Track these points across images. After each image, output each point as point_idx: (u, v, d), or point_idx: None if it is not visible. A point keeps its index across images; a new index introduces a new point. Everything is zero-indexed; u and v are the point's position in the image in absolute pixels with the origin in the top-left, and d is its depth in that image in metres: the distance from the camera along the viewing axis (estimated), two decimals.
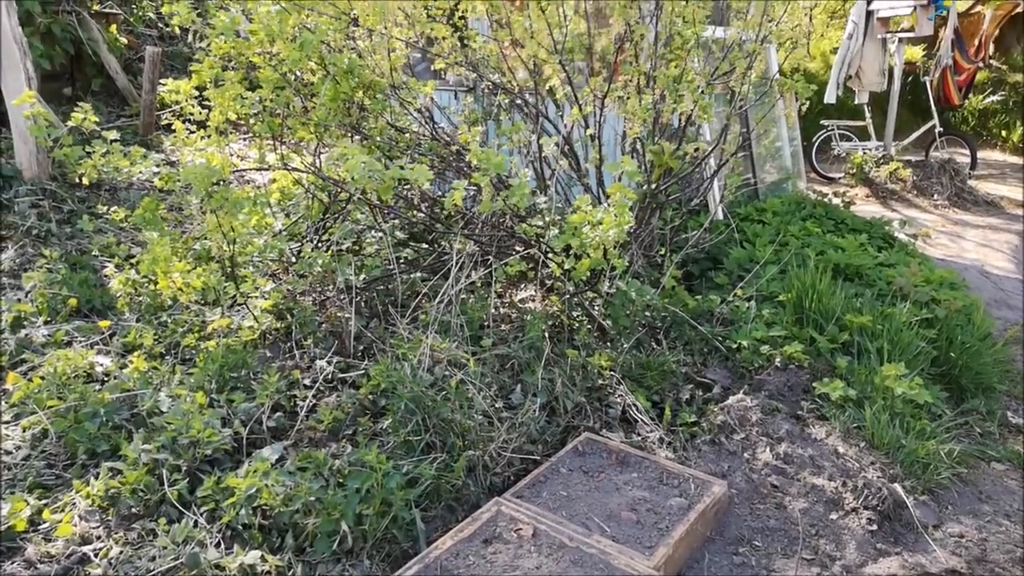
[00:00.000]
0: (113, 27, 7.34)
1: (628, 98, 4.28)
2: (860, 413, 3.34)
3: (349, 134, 4.21)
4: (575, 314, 4.00)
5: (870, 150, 9.24)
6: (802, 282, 4.15)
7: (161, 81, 4.09)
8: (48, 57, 6.53)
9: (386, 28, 4.25)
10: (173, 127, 4.08)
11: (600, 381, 3.46)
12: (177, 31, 4.58)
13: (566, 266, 3.54)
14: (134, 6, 8.03)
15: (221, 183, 3.13)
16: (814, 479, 3.01)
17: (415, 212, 4.40)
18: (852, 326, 3.87)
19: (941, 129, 9.26)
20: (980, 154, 9.87)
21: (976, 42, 10.53)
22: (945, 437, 3.31)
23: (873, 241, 5.20)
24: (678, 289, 4.20)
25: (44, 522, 2.52)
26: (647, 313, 3.92)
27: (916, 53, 11.55)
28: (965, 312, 4.25)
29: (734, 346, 3.82)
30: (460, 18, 4.69)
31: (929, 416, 3.46)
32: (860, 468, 3.05)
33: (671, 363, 3.60)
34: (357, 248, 4.58)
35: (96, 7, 7.22)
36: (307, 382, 3.32)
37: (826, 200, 6.14)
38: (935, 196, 8.38)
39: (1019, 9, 11.12)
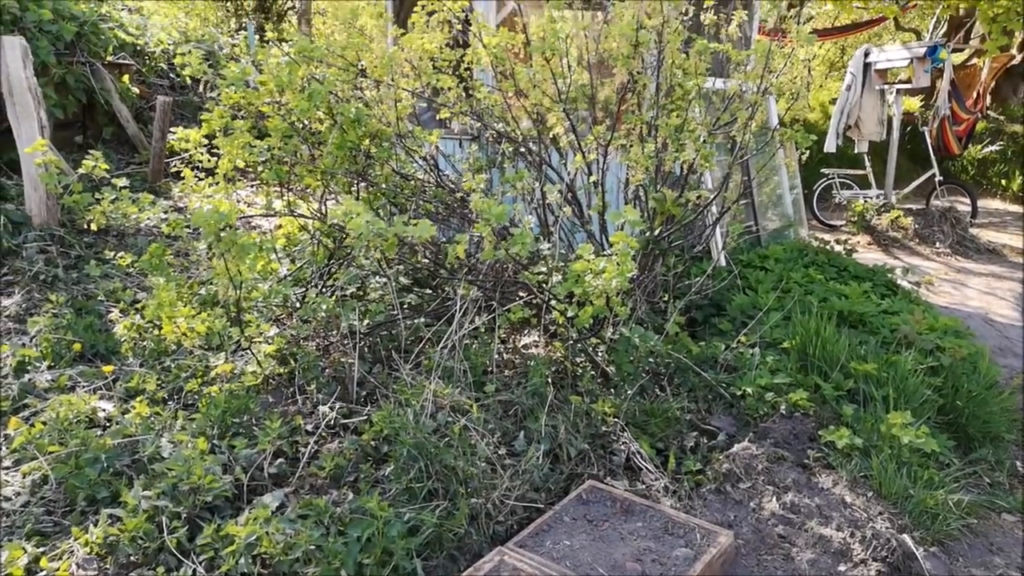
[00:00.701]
0: (126, 77, 7.50)
1: (631, 146, 4.35)
2: (867, 462, 3.31)
3: (355, 181, 4.27)
4: (578, 360, 4.00)
5: (871, 198, 9.32)
6: (806, 329, 4.15)
7: (171, 129, 4.17)
8: (61, 106, 6.67)
9: (393, 79, 4.34)
10: (182, 174, 4.14)
11: (604, 428, 3.44)
12: (188, 81, 4.70)
13: (569, 313, 3.55)
14: (147, 57, 8.22)
15: (228, 228, 3.17)
16: (822, 529, 2.96)
17: (419, 259, 4.43)
18: (857, 373, 3.86)
19: (941, 178, 9.36)
20: (980, 203, 9.95)
21: (974, 93, 10.71)
22: (954, 487, 3.26)
23: (876, 288, 5.21)
24: (681, 335, 4.20)
25: (42, 570, 2.48)
26: (651, 359, 3.91)
27: (914, 104, 11.74)
28: (971, 360, 4.24)
29: (738, 393, 3.80)
30: (465, 69, 4.79)
31: (937, 465, 3.42)
32: (868, 518, 3.00)
33: (675, 410, 3.58)
34: (361, 293, 4.60)
35: (110, 58, 7.38)
36: (309, 428, 3.30)
37: (828, 247, 6.18)
38: (937, 244, 8.42)
39: (1015, 61, 11.34)
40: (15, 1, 6.40)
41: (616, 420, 3.47)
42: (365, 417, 3.32)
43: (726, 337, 4.39)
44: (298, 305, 4.21)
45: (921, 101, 11.81)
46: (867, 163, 9.54)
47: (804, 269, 5.33)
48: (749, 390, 3.76)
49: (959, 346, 4.22)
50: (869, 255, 7.90)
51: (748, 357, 4.08)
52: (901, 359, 3.98)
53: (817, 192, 9.61)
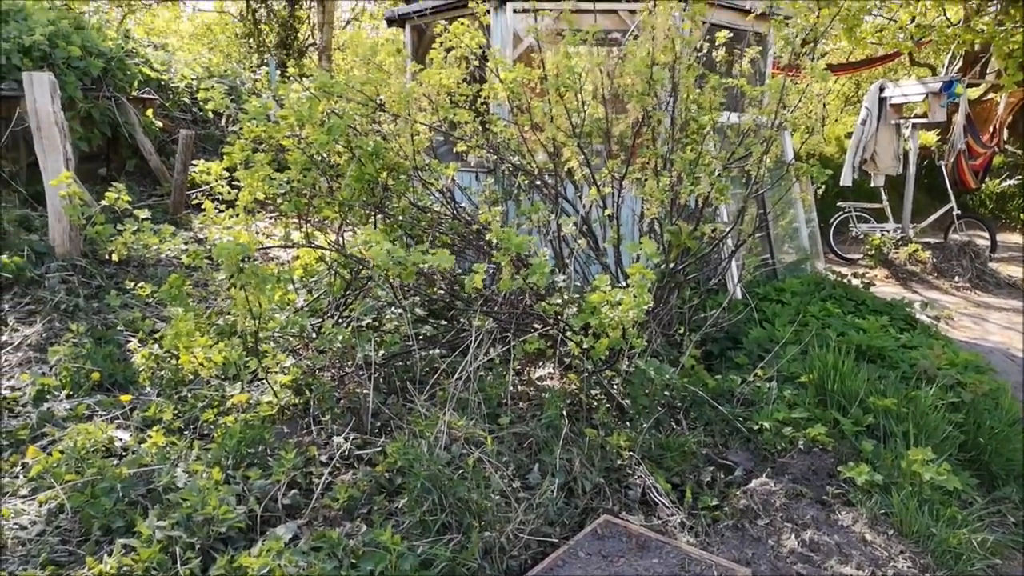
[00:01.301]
0: (150, 111, 7.67)
1: (646, 180, 4.37)
2: (887, 499, 3.25)
3: (372, 213, 4.31)
4: (593, 393, 3.98)
5: (888, 232, 9.28)
6: (824, 363, 4.11)
7: (193, 162, 4.24)
8: (86, 140, 6.81)
9: (411, 113, 4.40)
10: (203, 206, 4.20)
11: (619, 461, 3.41)
12: (210, 115, 4.79)
13: (585, 345, 3.54)
14: (170, 92, 8.40)
15: (248, 260, 3.21)
16: (842, 568, 2.91)
17: (435, 290, 4.45)
18: (876, 409, 3.81)
19: (959, 212, 9.31)
20: (999, 237, 9.88)
21: (990, 128, 10.70)
22: (977, 526, 3.19)
23: (895, 323, 5.16)
24: (697, 368, 4.17)
25: None
26: (666, 392, 3.88)
27: (931, 138, 11.73)
28: (992, 396, 4.17)
29: (756, 427, 3.76)
30: (482, 103, 4.86)
31: (959, 503, 3.36)
32: (889, 557, 2.94)
33: (691, 444, 3.55)
34: (377, 324, 4.62)
35: (135, 93, 7.55)
36: (324, 459, 3.30)
37: (845, 281, 6.14)
38: (956, 278, 8.34)
39: None
40: (45, 39, 6.59)
41: (631, 454, 3.44)
42: (379, 448, 3.31)
43: (743, 370, 4.36)
44: (314, 335, 4.24)
45: (937, 135, 11.80)
46: (884, 197, 9.51)
47: (821, 302, 5.29)
48: (766, 424, 3.72)
49: (980, 382, 4.16)
50: (887, 289, 7.84)
51: (765, 391, 4.04)
52: (921, 394, 3.93)
53: (834, 225, 9.59)
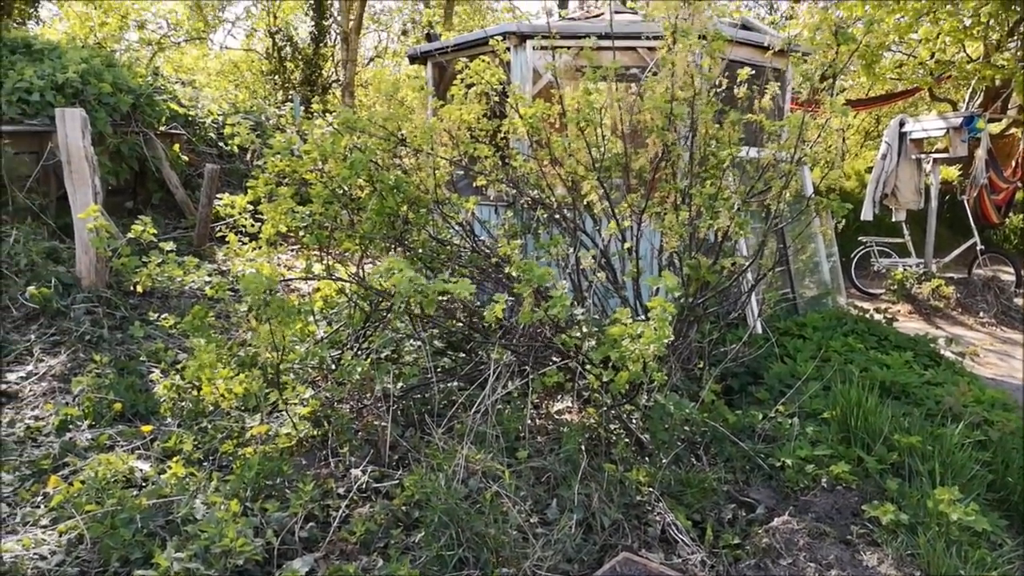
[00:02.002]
0: (176, 146, 7.83)
1: (665, 213, 4.38)
2: (913, 539, 3.18)
3: (393, 246, 4.35)
4: (612, 427, 3.95)
5: (910, 267, 9.20)
6: (847, 399, 4.06)
7: (218, 196, 4.32)
8: (115, 173, 6.97)
9: (432, 148, 4.46)
10: (226, 239, 4.26)
11: (638, 497, 3.37)
12: (236, 150, 4.89)
13: (604, 378, 3.53)
14: (197, 127, 8.58)
15: (272, 292, 3.24)
16: None
17: (454, 322, 4.47)
18: (901, 446, 3.74)
19: (982, 247, 9.22)
20: None
21: (1012, 163, 10.63)
22: (1008, 569, 3.11)
23: (919, 359, 5.09)
24: (718, 403, 4.13)
25: None
26: (686, 428, 3.84)
27: (952, 173, 11.67)
28: (1020, 435, 4.09)
29: (778, 464, 3.70)
30: (502, 138, 4.92)
31: (988, 545, 3.27)
32: None
33: (712, 481, 3.50)
34: (396, 356, 4.63)
35: (162, 128, 7.73)
36: (341, 491, 3.29)
37: (868, 316, 6.08)
38: (981, 314, 8.23)
39: None
40: (78, 76, 6.78)
41: (651, 490, 3.40)
42: (397, 481, 3.30)
43: (764, 406, 4.31)
44: (334, 367, 4.26)
45: (959, 170, 11.74)
46: (906, 231, 9.45)
47: (843, 338, 5.24)
48: (789, 461, 3.67)
49: (1008, 419, 4.08)
50: (910, 324, 7.74)
51: (787, 427, 3.99)
52: (947, 432, 3.86)
53: (855, 260, 9.52)
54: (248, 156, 8.78)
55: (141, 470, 3.45)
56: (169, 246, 3.75)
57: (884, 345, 5.33)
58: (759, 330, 5.31)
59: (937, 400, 4.34)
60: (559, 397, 4.41)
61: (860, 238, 9.64)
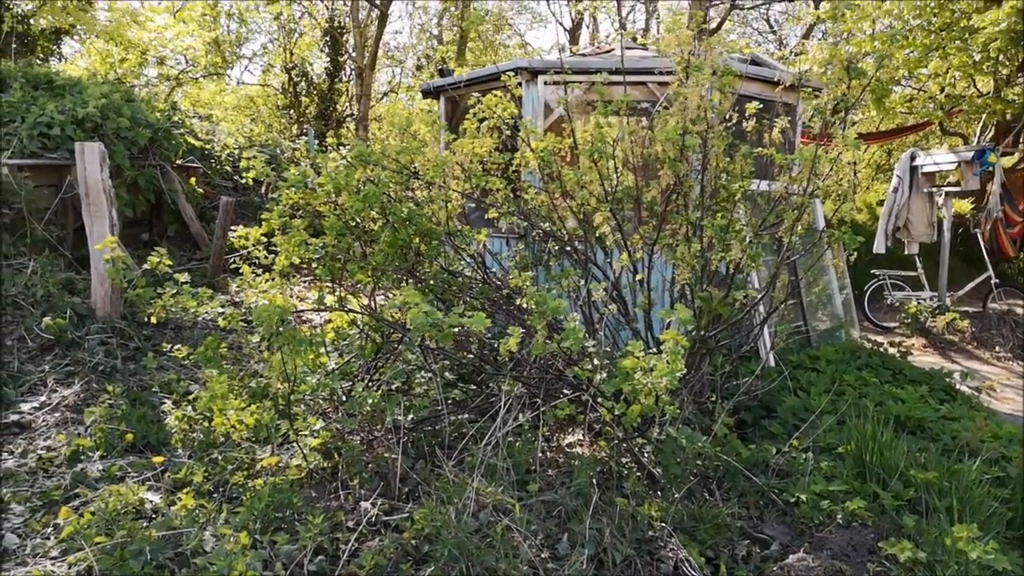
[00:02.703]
0: (193, 179, 7.94)
1: (677, 245, 4.39)
2: None
3: (404, 278, 4.38)
4: (624, 461, 3.91)
5: (924, 300, 9.14)
6: (862, 433, 4.01)
7: (232, 228, 4.37)
8: (131, 206, 7.06)
9: (444, 181, 4.51)
10: (240, 270, 4.30)
11: (650, 533, 3.33)
12: (250, 183, 4.96)
13: (616, 411, 3.51)
14: (213, 160, 8.70)
15: (284, 323, 3.26)
16: None
17: (465, 354, 4.47)
18: (917, 482, 3.68)
19: (997, 280, 9.15)
20: None
21: None
22: None
23: (934, 393, 5.03)
24: (731, 437, 4.09)
25: None
26: (699, 462, 3.81)
27: (965, 206, 11.64)
28: None
29: (792, 500, 3.65)
30: (513, 171, 4.96)
31: None
32: None
33: (725, 516, 3.45)
34: (407, 388, 4.63)
35: (179, 161, 7.84)
36: (351, 524, 3.27)
37: (882, 349, 6.03)
38: (997, 348, 8.14)
39: None
40: (98, 111, 6.91)
41: (663, 525, 3.35)
42: (407, 515, 3.28)
43: (777, 440, 4.26)
44: (344, 399, 4.26)
45: (972, 203, 11.71)
46: (919, 265, 9.41)
47: (857, 371, 5.19)
48: (803, 497, 3.62)
49: None
50: (925, 358, 7.66)
51: (801, 462, 3.94)
52: (964, 468, 3.80)
53: (868, 293, 9.47)
54: (263, 189, 8.89)
55: (151, 501, 3.45)
56: (183, 277, 3.79)
57: (899, 379, 5.28)
58: (772, 363, 5.27)
59: (954, 435, 4.28)
60: (570, 430, 4.38)
61: (873, 271, 9.60)
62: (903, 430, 4.37)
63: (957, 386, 5.31)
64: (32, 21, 12.20)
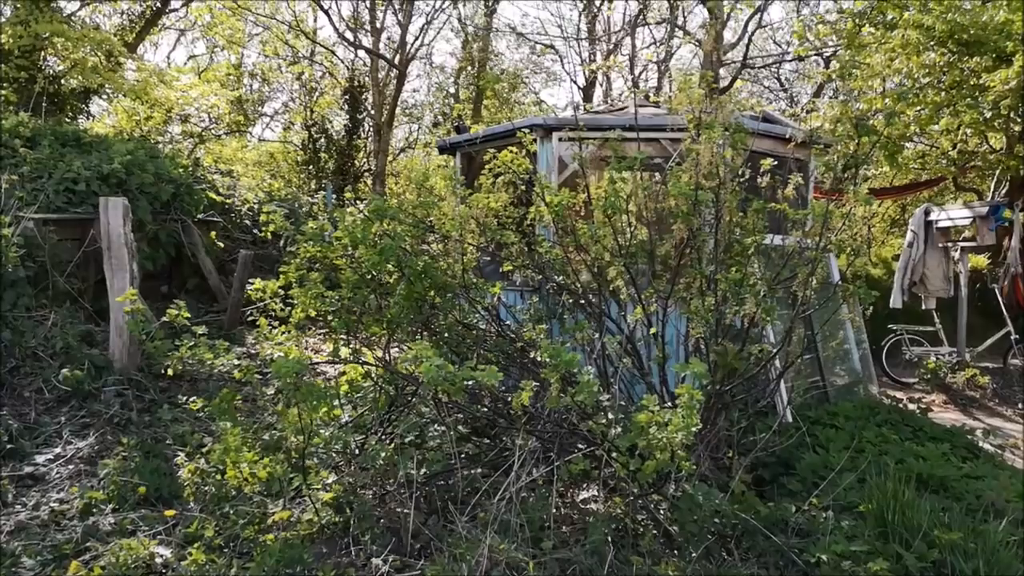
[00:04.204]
0: (213, 233, 8.07)
1: (691, 299, 4.39)
2: None
3: (419, 331, 4.40)
4: (640, 518, 3.85)
5: (943, 355, 9.03)
6: (883, 492, 3.92)
7: (250, 280, 4.43)
8: (152, 259, 7.17)
9: (460, 235, 4.56)
10: (257, 323, 4.34)
11: None
12: (269, 236, 5.04)
13: (631, 466, 3.46)
14: (233, 214, 8.86)
15: (300, 376, 3.28)
16: None
17: (479, 407, 4.45)
18: (941, 543, 3.58)
19: (1017, 336, 9.04)
20: None
21: None
22: None
23: (956, 451, 4.93)
24: (748, 495, 4.02)
25: None
26: (716, 520, 3.73)
27: (982, 261, 11.58)
28: None
29: (813, 560, 3.56)
30: (528, 225, 5.01)
31: None
32: None
33: None
34: (420, 442, 4.60)
35: (200, 215, 7.99)
36: None
37: (901, 406, 5.94)
38: (1020, 405, 8.00)
39: None
40: (122, 167, 7.09)
41: None
42: (419, 571, 3.23)
43: (796, 498, 4.18)
44: (357, 452, 4.23)
45: (988, 258, 11.65)
46: (936, 320, 9.32)
47: (877, 428, 5.11)
48: (824, 557, 3.52)
49: None
50: (946, 415, 7.53)
51: (821, 521, 3.86)
52: (989, 529, 3.70)
53: (886, 348, 9.37)
54: (281, 242, 9.02)
55: (162, 556, 3.42)
56: (201, 330, 3.82)
57: (919, 436, 5.18)
58: (789, 419, 5.21)
59: (978, 495, 4.18)
60: (585, 485, 4.32)
61: (890, 326, 9.52)
62: (925, 489, 4.27)
63: (980, 444, 5.21)
64: (63, 81, 12.62)
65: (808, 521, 3.88)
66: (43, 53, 12.38)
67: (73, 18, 13.73)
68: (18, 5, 11.76)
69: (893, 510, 3.81)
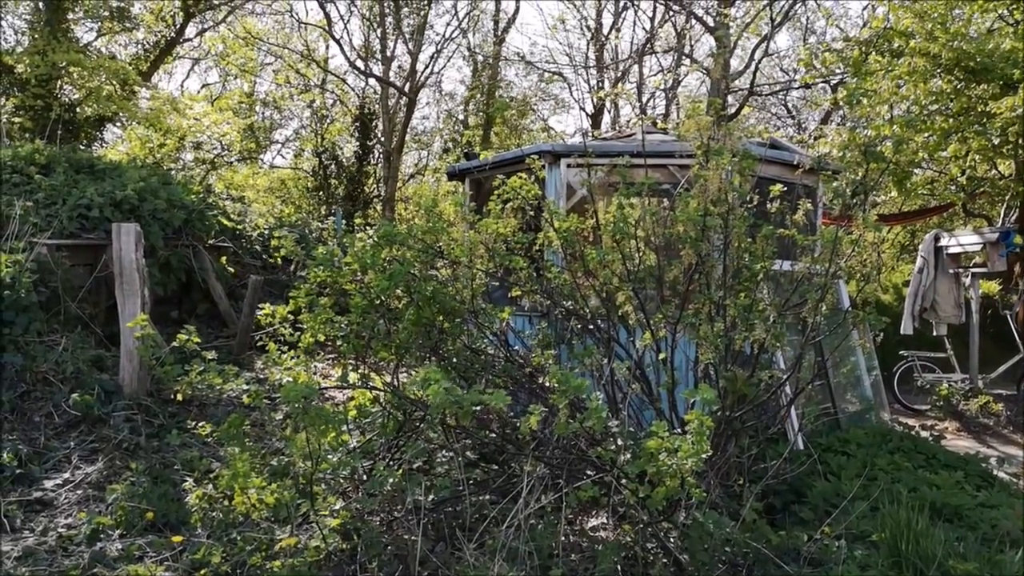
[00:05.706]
0: (223, 258, 8.12)
1: (700, 324, 4.38)
2: None
3: (427, 355, 4.40)
4: (649, 546, 3.80)
5: (955, 382, 8.94)
6: (896, 521, 3.87)
7: (259, 306, 4.45)
8: (163, 284, 7.22)
9: (469, 260, 4.58)
10: (266, 348, 4.35)
11: None
12: (279, 261, 5.08)
13: (641, 493, 3.43)
14: (244, 239, 8.92)
15: (309, 401, 3.28)
16: None
17: (487, 432, 4.43)
18: (956, 573, 3.53)
19: None
20: None
21: None
22: None
23: (970, 479, 4.87)
24: (760, 523, 3.97)
25: None
26: (727, 548, 3.69)
27: (993, 287, 11.51)
28: None
29: None
30: (537, 251, 5.03)
31: None
32: None
33: None
34: (428, 467, 4.58)
35: (211, 241, 8.05)
36: None
37: (914, 433, 5.88)
38: None
39: None
40: (135, 194, 7.17)
41: None
42: None
43: (808, 526, 4.13)
44: (365, 478, 4.22)
45: (999, 284, 11.58)
46: (948, 346, 9.25)
47: (889, 455, 5.06)
48: None
49: None
50: (959, 442, 7.44)
51: (834, 550, 3.80)
52: (1005, 559, 3.64)
53: (898, 374, 9.30)
54: (291, 267, 9.07)
55: None
56: (210, 355, 3.84)
57: (933, 464, 5.12)
58: (800, 445, 5.16)
59: (993, 524, 4.12)
60: (594, 512, 4.28)
61: (902, 352, 9.45)
62: (939, 517, 4.22)
63: (994, 472, 5.15)
64: (78, 109, 12.82)
65: (820, 550, 3.83)
66: (59, 82, 12.61)
67: (89, 48, 14.00)
68: (36, 35, 11.99)
69: (907, 539, 3.75)
